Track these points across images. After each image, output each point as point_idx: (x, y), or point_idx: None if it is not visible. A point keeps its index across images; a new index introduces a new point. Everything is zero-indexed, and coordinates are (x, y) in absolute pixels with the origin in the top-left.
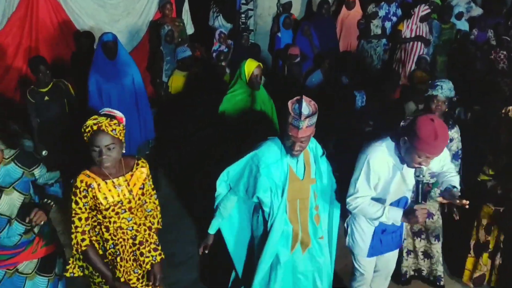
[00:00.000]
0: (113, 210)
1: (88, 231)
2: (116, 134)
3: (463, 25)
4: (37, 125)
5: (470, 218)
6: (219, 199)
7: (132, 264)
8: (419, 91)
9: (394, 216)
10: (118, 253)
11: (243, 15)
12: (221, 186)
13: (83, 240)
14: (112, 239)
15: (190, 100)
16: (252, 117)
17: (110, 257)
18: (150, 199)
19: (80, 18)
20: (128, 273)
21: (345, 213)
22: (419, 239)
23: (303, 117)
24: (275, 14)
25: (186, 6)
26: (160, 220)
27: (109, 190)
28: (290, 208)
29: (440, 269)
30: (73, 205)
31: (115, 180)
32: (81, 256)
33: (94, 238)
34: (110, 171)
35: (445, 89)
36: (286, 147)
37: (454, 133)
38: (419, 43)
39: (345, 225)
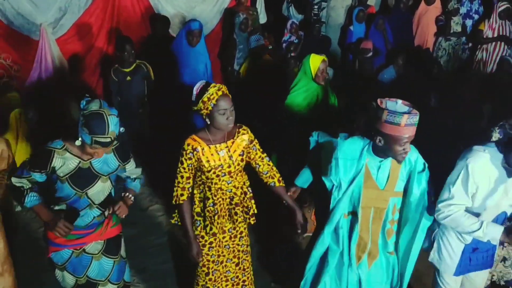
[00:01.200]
0: (214, 173)
1: (188, 188)
2: None
3: None
4: (117, 103)
5: None
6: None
7: (228, 222)
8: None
9: (493, 232)
10: (216, 211)
11: (316, 6)
12: (312, 141)
13: (181, 195)
14: (212, 198)
15: (260, 89)
16: (320, 112)
17: (208, 214)
18: (262, 161)
19: (159, 3)
20: (223, 231)
21: None
22: (501, 247)
23: (401, 111)
24: (349, 7)
25: None
26: (280, 178)
27: (212, 155)
28: (363, 215)
29: None
30: (179, 164)
31: (217, 145)
32: None
33: (198, 195)
34: (215, 137)
35: None
36: (390, 152)
37: None
38: (502, 43)
39: (432, 238)
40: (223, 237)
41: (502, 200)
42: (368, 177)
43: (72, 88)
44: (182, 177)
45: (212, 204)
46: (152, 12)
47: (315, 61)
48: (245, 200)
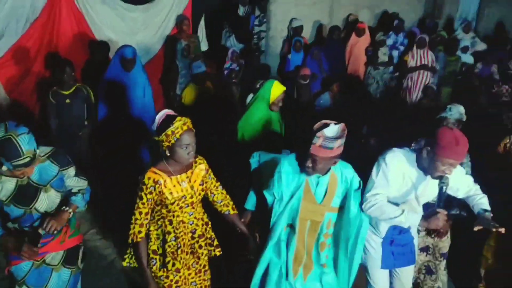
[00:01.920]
0: (177, 205)
1: (146, 224)
2: None
3: (468, 58)
4: (56, 126)
5: (478, 243)
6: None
7: (190, 257)
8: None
9: (413, 217)
10: (179, 245)
11: (255, 36)
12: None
13: (139, 232)
14: (174, 232)
15: (202, 114)
16: (268, 136)
17: (169, 249)
18: (217, 190)
19: (100, 29)
20: (188, 267)
21: None
22: (424, 253)
23: (336, 136)
24: (286, 37)
25: (202, 24)
26: (233, 206)
27: (174, 186)
28: (300, 227)
29: (438, 286)
30: (137, 200)
31: (178, 176)
32: None
33: (155, 232)
34: (175, 168)
35: (455, 112)
36: (302, 164)
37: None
38: (425, 72)
39: None
40: (189, 274)
41: (423, 194)
42: (308, 191)
43: (8, 112)
44: (140, 213)
45: (174, 239)
46: (93, 37)
47: (276, 90)
48: (207, 231)
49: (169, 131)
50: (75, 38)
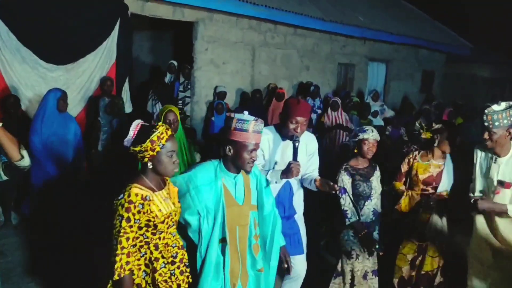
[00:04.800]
0: (166, 223)
1: (133, 253)
2: None
3: (378, 122)
4: None
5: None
6: None
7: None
8: None
9: (276, 174)
10: (172, 272)
11: (180, 102)
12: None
13: (127, 263)
14: (162, 257)
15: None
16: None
17: (161, 278)
18: None
19: (19, 88)
20: None
21: None
22: (366, 281)
23: (248, 119)
24: (210, 101)
25: (126, 86)
26: None
27: (160, 203)
28: (230, 236)
29: None
30: (123, 223)
31: (160, 192)
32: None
33: (136, 262)
34: (155, 184)
35: (373, 133)
36: (239, 161)
37: (378, 171)
38: (341, 131)
39: None
40: None
41: (284, 157)
42: (228, 195)
43: None
44: (128, 239)
45: (163, 265)
46: (8, 94)
47: (163, 110)
48: (184, 256)
49: (154, 137)
50: None
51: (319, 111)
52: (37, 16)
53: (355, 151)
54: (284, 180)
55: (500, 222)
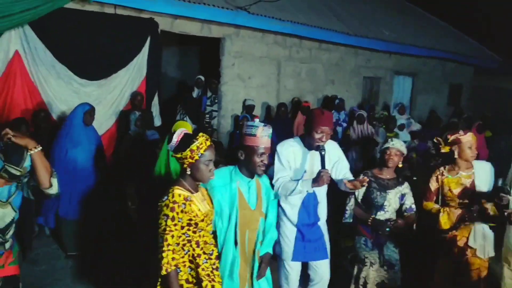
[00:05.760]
0: (205, 222)
1: (178, 250)
2: None
3: (405, 135)
4: None
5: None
6: None
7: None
8: None
9: (306, 184)
10: (214, 265)
11: (207, 116)
12: None
13: (173, 259)
14: (204, 253)
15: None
16: None
17: (204, 273)
18: None
19: (54, 102)
20: None
21: None
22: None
23: (257, 125)
24: (236, 116)
25: (155, 100)
26: None
27: (199, 203)
28: (240, 238)
29: None
30: (169, 222)
31: (197, 194)
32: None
33: (181, 260)
34: (192, 187)
35: (396, 142)
36: (251, 165)
37: (405, 188)
38: (368, 144)
39: None
40: None
41: (313, 168)
42: (242, 198)
43: None
44: (172, 236)
45: (205, 260)
46: (45, 108)
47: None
48: (217, 253)
49: (194, 146)
50: (27, 111)
51: (344, 124)
52: (72, 34)
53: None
54: (312, 190)
55: None
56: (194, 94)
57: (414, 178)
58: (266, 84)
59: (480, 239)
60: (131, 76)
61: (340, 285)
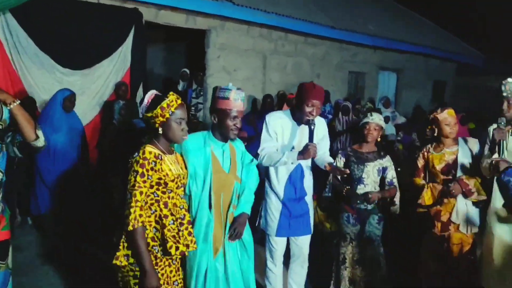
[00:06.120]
0: (176, 183)
1: (145, 208)
2: None
3: (390, 128)
4: None
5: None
6: None
7: (183, 250)
8: None
9: (292, 155)
10: (179, 227)
11: (193, 108)
12: None
13: (140, 215)
14: (172, 214)
15: None
16: None
17: (170, 234)
18: None
19: (36, 92)
20: (169, 263)
21: None
22: (360, 268)
23: (230, 88)
24: None
25: (140, 91)
26: None
27: (170, 164)
28: (215, 201)
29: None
30: (138, 178)
31: (170, 156)
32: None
33: (147, 219)
34: (165, 148)
35: (375, 116)
36: (224, 129)
37: (387, 161)
38: (352, 135)
39: (260, 209)
40: (170, 271)
41: (301, 141)
42: (216, 162)
43: None
44: (141, 193)
45: (172, 222)
46: (25, 96)
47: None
48: (190, 218)
49: (164, 104)
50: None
51: (330, 116)
52: (55, 22)
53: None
54: (297, 162)
55: None
56: (180, 87)
57: (399, 169)
58: (251, 77)
59: (462, 214)
60: (115, 66)
61: (326, 271)
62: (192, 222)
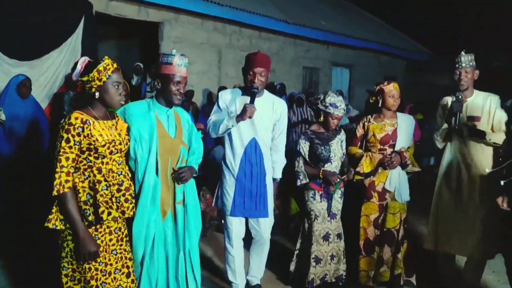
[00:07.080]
0: (108, 148)
1: (73, 173)
2: None
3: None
4: None
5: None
6: None
7: (116, 216)
8: None
9: (231, 118)
10: (112, 193)
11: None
12: None
13: (66, 181)
14: (105, 180)
15: None
16: None
17: (102, 199)
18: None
19: None
20: (110, 231)
21: None
22: (327, 242)
23: (173, 54)
24: None
25: None
26: None
27: (102, 129)
28: (162, 165)
29: (342, 268)
30: (63, 143)
31: (104, 122)
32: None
33: (81, 184)
34: (100, 114)
35: (340, 109)
36: (168, 94)
37: (343, 135)
38: (304, 125)
39: (217, 190)
40: (110, 240)
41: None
42: (161, 126)
43: None
44: (67, 158)
45: (105, 187)
46: None
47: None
48: (131, 186)
49: (100, 67)
50: None
51: None
52: (1, 12)
53: (321, 119)
54: (250, 137)
55: (471, 146)
56: (133, 82)
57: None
58: (207, 71)
59: (395, 183)
60: (65, 57)
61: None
62: (140, 187)
